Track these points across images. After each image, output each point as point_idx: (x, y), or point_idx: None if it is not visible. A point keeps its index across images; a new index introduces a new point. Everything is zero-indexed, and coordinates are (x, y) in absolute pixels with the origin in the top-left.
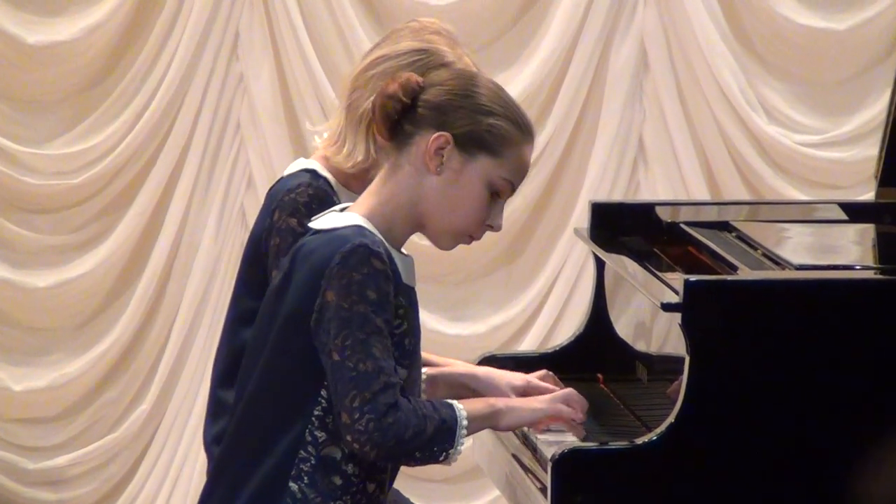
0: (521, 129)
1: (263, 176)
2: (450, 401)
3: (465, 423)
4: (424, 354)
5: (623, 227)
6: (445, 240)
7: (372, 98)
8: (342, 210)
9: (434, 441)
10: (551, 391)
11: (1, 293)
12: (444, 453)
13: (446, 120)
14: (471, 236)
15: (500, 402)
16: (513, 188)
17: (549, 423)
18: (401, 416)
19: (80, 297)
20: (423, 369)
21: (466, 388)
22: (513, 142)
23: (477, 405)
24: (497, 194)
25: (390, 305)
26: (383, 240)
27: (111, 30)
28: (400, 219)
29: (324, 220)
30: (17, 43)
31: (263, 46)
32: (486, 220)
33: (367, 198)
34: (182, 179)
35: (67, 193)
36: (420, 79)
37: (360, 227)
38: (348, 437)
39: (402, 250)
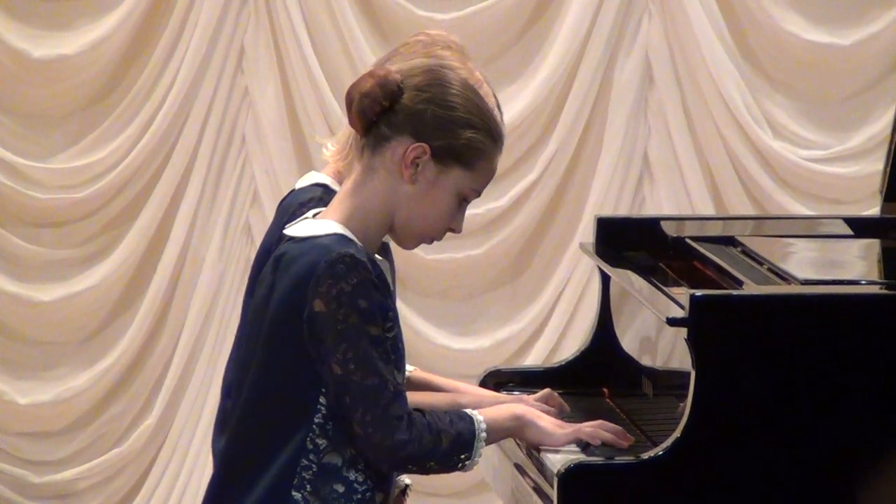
0: (496, 140)
1: (269, 190)
2: (469, 411)
3: (483, 435)
4: (432, 378)
5: (628, 242)
6: (411, 243)
7: (348, 92)
8: (315, 216)
9: (450, 454)
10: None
11: (6, 307)
12: (462, 464)
13: (425, 130)
14: (433, 239)
15: (525, 413)
16: (479, 194)
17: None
18: (414, 434)
19: (85, 310)
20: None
21: None
22: (487, 154)
23: (500, 414)
24: (465, 200)
25: (380, 312)
26: (363, 247)
27: (116, 44)
28: (374, 224)
29: (300, 227)
30: (22, 57)
31: (268, 61)
32: (450, 225)
33: (341, 203)
34: (187, 194)
35: (73, 207)
36: (399, 78)
37: (340, 235)
38: (361, 448)
39: (377, 256)
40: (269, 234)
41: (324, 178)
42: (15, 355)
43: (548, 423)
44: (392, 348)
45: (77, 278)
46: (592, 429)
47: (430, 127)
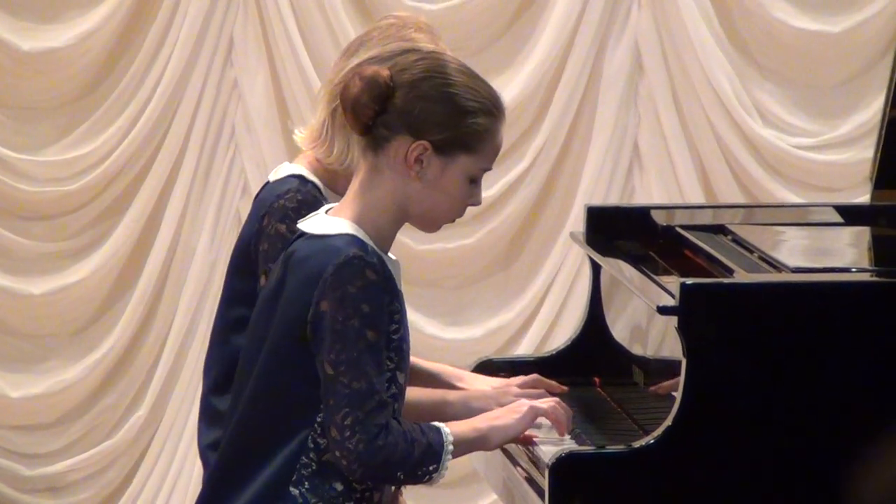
0: (496, 116)
1: (258, 182)
2: (437, 424)
3: (450, 448)
4: (416, 361)
5: (619, 231)
6: (432, 229)
7: (339, 95)
8: (328, 211)
9: (420, 464)
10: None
11: None
12: (428, 476)
13: (422, 127)
14: (454, 219)
15: (483, 424)
16: (490, 169)
17: (533, 432)
18: (390, 440)
19: (76, 303)
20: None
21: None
22: (489, 134)
23: (463, 429)
24: (476, 180)
25: (385, 316)
26: (374, 247)
27: (106, 36)
28: (387, 221)
29: (314, 224)
30: (11, 50)
31: (258, 52)
32: (467, 202)
33: (353, 201)
34: (177, 186)
35: (63, 200)
36: (388, 78)
37: (352, 235)
38: (337, 453)
39: (390, 254)
40: (246, 227)
41: (297, 168)
42: (6, 348)
43: (505, 419)
44: (396, 349)
45: (68, 271)
46: (549, 405)
47: (426, 123)
